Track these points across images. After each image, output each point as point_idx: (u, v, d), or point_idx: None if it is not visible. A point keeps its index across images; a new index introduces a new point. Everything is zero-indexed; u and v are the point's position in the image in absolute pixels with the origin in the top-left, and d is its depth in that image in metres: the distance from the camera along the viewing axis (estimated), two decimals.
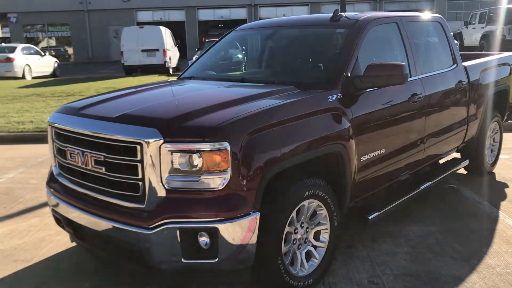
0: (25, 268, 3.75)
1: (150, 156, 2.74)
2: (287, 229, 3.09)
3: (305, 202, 3.20)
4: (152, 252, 2.78)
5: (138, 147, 2.78)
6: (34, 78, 20.92)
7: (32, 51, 21.97)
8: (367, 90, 3.70)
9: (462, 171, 5.92)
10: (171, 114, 2.97)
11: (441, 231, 4.27)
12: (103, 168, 2.95)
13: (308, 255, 3.33)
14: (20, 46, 21.64)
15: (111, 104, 3.43)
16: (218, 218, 2.74)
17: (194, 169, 2.73)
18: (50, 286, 3.50)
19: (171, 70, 22.29)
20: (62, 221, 3.37)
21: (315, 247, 3.36)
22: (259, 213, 2.84)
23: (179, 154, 2.74)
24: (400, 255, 3.83)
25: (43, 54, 22.91)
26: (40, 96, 13.60)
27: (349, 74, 3.61)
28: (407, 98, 4.10)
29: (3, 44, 24.96)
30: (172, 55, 23.69)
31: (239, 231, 2.77)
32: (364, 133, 3.64)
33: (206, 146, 2.70)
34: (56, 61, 23.74)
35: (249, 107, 3.04)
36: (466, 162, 5.36)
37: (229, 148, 2.72)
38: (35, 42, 35.97)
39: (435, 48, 5.01)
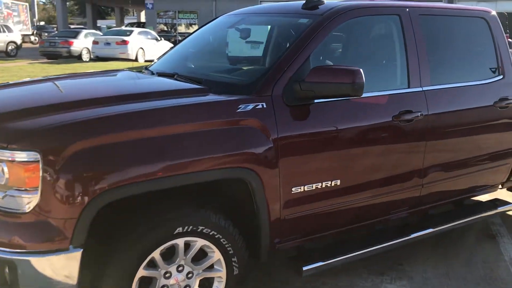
0: None
1: None
2: (142, 273, 2.38)
3: (179, 241, 2.45)
4: None
5: None
6: (146, 61, 21.96)
7: (149, 36, 23.06)
8: (318, 100, 2.78)
9: None
10: None
11: None
12: None
13: None
14: (137, 30, 22.87)
15: None
16: (19, 250, 2.14)
17: None
18: None
19: None
20: None
21: None
22: (82, 249, 2.18)
23: None
24: None
25: (159, 39, 23.94)
26: None
27: (287, 79, 2.74)
28: (391, 116, 3.06)
29: (123, 28, 26.67)
30: None
31: (48, 270, 2.14)
32: (301, 158, 2.75)
33: (8, 155, 2.11)
34: (172, 47, 24.69)
35: (101, 110, 2.36)
36: (510, 207, 4.03)
37: (40, 161, 2.09)
38: (167, 27, 38.07)
39: (470, 53, 3.77)
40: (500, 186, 4.08)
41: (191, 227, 2.43)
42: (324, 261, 2.94)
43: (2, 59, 22.42)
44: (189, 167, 2.35)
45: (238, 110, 2.56)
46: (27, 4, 37.48)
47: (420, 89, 3.24)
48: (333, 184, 2.91)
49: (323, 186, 2.87)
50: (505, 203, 4.05)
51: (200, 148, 2.40)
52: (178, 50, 3.72)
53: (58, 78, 3.39)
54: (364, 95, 2.95)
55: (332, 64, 3.19)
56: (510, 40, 19.71)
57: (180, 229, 2.40)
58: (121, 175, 2.18)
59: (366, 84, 3.04)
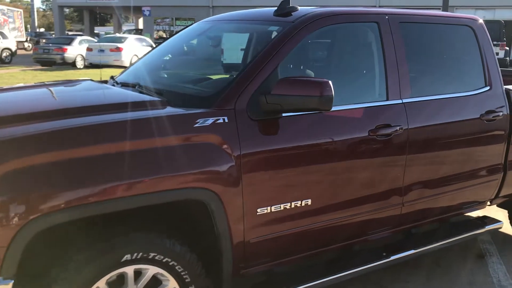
0: None
1: None
2: None
3: (127, 269, 2.22)
4: None
5: None
6: None
7: (144, 43, 22.89)
8: (288, 114, 2.58)
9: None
10: None
11: None
12: None
13: None
14: (132, 37, 22.70)
15: None
16: None
17: None
18: None
19: None
20: None
21: None
22: (13, 281, 1.96)
23: None
24: None
25: (154, 46, 23.77)
26: None
27: (252, 91, 2.53)
28: (367, 131, 2.85)
29: (117, 34, 26.52)
30: None
31: None
32: (267, 176, 2.54)
33: None
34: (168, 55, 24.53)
35: (37, 127, 2.13)
36: (499, 225, 3.81)
37: None
38: (166, 34, 37.97)
39: (454, 63, 3.57)
40: (488, 203, 3.87)
41: (140, 253, 2.21)
42: (295, 287, 2.72)
43: None
44: (135, 188, 2.12)
45: (196, 125, 2.35)
46: (21, 10, 37.40)
47: (399, 101, 3.04)
48: (303, 204, 2.69)
49: (293, 206, 2.66)
50: (494, 221, 3.83)
51: (149, 167, 2.18)
52: (148, 59, 3.52)
53: (4, 89, 3.16)
54: (338, 108, 2.78)
55: (311, 74, 2.99)
56: (507, 48, 19.16)
57: (128, 256, 2.18)
58: (55, 199, 1.96)
59: (341, 97, 2.86)
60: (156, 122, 2.28)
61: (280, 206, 2.61)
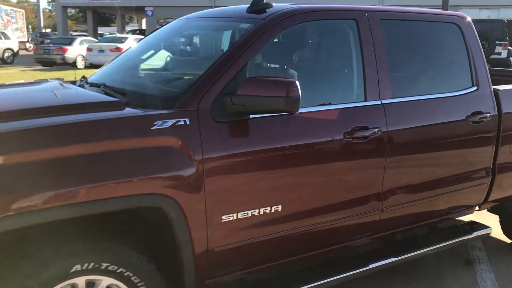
0: None
1: None
2: None
3: (78, 280, 2.10)
4: None
5: None
6: None
7: None
8: (256, 116, 2.44)
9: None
10: None
11: None
12: None
13: None
14: (132, 37, 22.60)
15: None
16: None
17: None
18: None
19: None
20: None
21: None
22: None
23: None
24: None
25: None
26: None
27: (217, 91, 2.40)
28: (342, 133, 2.71)
29: (117, 35, 26.46)
30: None
31: None
32: (232, 182, 2.41)
33: None
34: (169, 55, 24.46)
35: None
36: (487, 231, 3.65)
37: None
38: None
39: (439, 62, 3.42)
40: (477, 208, 3.72)
41: (92, 264, 2.09)
42: None
43: None
44: (79, 196, 1.98)
45: (154, 127, 2.22)
46: (23, 11, 37.48)
47: (378, 102, 2.90)
48: (273, 210, 2.56)
49: (261, 212, 2.52)
50: (483, 226, 3.68)
51: (100, 172, 2.05)
52: (121, 58, 3.39)
53: None
54: (311, 109, 2.65)
55: (294, 75, 2.85)
56: (510, 48, 18.67)
57: (78, 267, 2.06)
58: None
59: (315, 97, 2.73)
60: (107, 125, 2.15)
61: (248, 213, 2.48)
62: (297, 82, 2.29)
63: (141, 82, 2.94)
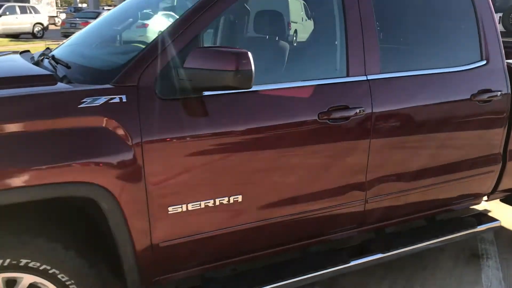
0: None
1: None
2: None
3: None
4: None
5: None
6: None
7: (170, 18, 22.50)
8: (211, 93, 2.12)
9: None
10: None
11: None
12: None
13: None
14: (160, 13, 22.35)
15: None
16: None
17: None
18: None
19: None
20: None
21: None
22: None
23: None
24: None
25: None
26: None
27: (162, 64, 2.08)
28: (316, 114, 2.36)
29: (150, 11, 26.18)
30: None
31: None
32: (181, 168, 2.11)
33: None
34: (129, 25, 24.16)
35: None
36: (495, 224, 3.24)
37: None
38: None
39: (439, 31, 2.97)
40: (485, 198, 3.31)
41: (8, 260, 1.84)
42: None
43: (26, 40, 22.48)
44: None
45: (82, 105, 1.92)
46: None
47: (363, 78, 2.52)
48: (232, 201, 2.25)
49: (217, 203, 2.22)
50: (490, 219, 3.27)
51: (15, 156, 1.79)
52: (87, 30, 3.08)
53: None
54: (280, 86, 2.30)
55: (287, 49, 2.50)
56: None
57: None
58: None
59: (286, 72, 2.39)
60: (25, 101, 1.88)
61: (200, 204, 2.18)
62: (249, 54, 1.94)
63: (88, 54, 2.64)
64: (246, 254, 2.45)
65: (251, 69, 1.94)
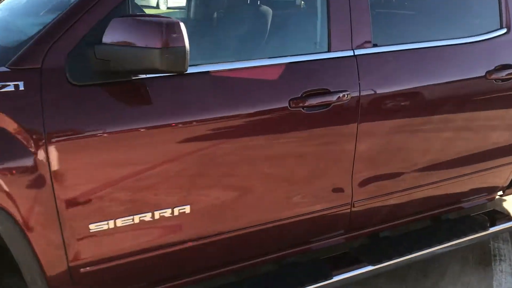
0: None
1: None
2: None
3: None
4: None
5: None
6: (169, 8, 20.84)
7: None
8: (144, 76, 1.62)
9: None
10: None
11: None
12: None
13: None
14: None
15: None
16: None
17: None
18: None
19: None
20: None
21: None
22: None
23: None
24: None
25: None
26: None
27: (76, 39, 1.56)
28: (287, 100, 1.84)
29: None
30: None
31: None
32: (105, 174, 1.63)
33: None
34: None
35: None
36: (509, 225, 2.75)
37: None
38: None
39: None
40: (500, 192, 2.81)
41: None
42: None
43: None
44: None
45: None
46: None
47: (349, 53, 1.99)
48: (177, 213, 1.78)
49: (157, 217, 1.75)
50: (506, 219, 2.77)
51: None
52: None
53: None
54: (237, 65, 1.79)
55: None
56: None
57: None
58: None
59: (248, 48, 1.87)
60: None
61: (133, 219, 1.71)
62: (181, 25, 1.43)
63: (12, 32, 2.11)
64: (202, 273, 2.00)
65: (184, 47, 1.43)
